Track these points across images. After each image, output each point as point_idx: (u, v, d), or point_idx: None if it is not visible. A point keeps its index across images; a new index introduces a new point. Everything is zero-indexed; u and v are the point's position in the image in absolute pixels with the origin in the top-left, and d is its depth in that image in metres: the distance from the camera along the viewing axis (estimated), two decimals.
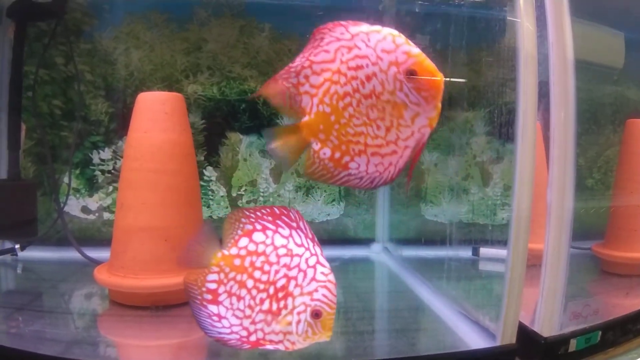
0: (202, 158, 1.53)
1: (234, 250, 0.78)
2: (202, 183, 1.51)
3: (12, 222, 1.36)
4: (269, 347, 0.77)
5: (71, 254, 1.36)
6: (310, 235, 0.78)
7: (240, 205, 1.55)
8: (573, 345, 0.95)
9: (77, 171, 1.49)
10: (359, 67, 0.74)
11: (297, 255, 0.77)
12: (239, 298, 0.78)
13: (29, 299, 1.16)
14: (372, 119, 0.75)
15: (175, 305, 1.06)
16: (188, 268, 0.81)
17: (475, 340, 0.95)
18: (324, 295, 0.75)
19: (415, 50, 0.72)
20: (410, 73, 0.72)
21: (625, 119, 1.70)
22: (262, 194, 1.56)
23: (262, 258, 0.77)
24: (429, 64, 0.72)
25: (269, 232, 0.78)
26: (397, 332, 1.07)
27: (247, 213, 0.80)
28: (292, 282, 0.76)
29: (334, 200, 1.60)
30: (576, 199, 1.69)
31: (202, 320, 0.79)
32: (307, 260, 0.76)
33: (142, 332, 1.00)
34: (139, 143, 1.08)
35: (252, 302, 0.77)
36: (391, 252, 1.59)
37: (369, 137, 0.75)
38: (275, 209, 0.79)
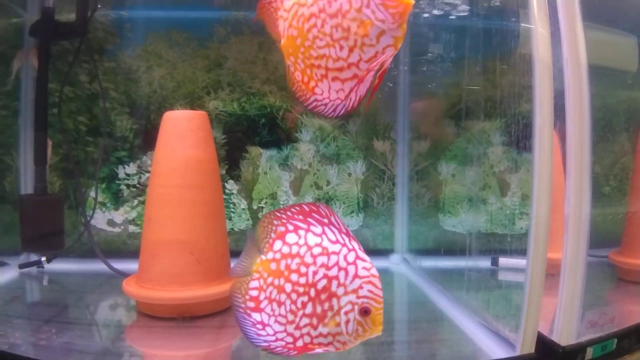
0: (224, 172, 1.56)
1: (270, 255, 0.76)
2: (223, 197, 1.54)
3: (39, 235, 1.41)
4: (319, 350, 0.75)
5: (97, 265, 1.39)
6: (344, 230, 0.75)
7: (261, 217, 1.58)
8: (590, 354, 0.96)
9: (103, 185, 1.54)
10: None
11: (333, 253, 0.74)
12: (280, 303, 0.75)
13: (56, 310, 1.20)
14: (336, 39, 0.73)
15: (201, 317, 1.09)
16: (236, 276, 0.79)
17: (494, 351, 0.96)
18: (369, 291, 0.72)
19: None
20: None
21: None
22: (282, 206, 1.59)
23: (297, 260, 0.75)
24: None
25: (301, 232, 0.76)
26: (417, 342, 1.09)
27: (279, 214, 0.77)
28: (334, 282, 0.73)
29: (352, 212, 1.63)
30: (593, 207, 1.70)
31: (247, 329, 0.77)
32: (345, 257, 0.73)
33: (169, 342, 1.02)
34: (166, 160, 1.12)
35: (293, 307, 0.75)
36: (410, 263, 1.61)
37: (330, 60, 0.74)
38: (305, 207, 0.76)
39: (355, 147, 1.62)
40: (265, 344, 0.76)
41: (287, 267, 0.75)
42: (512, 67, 1.24)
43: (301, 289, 0.74)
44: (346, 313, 0.72)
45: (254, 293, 0.76)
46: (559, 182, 1.00)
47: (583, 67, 0.98)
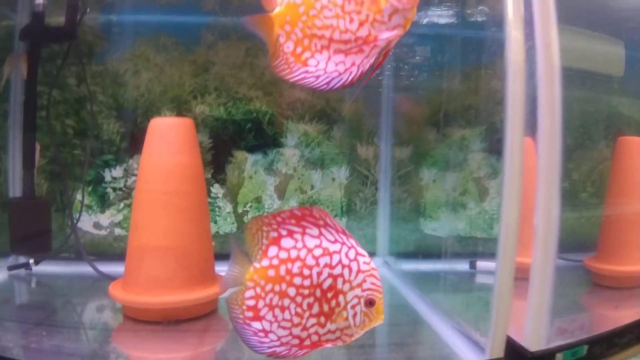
0: (210, 176, 1.59)
1: (265, 262, 0.76)
2: (209, 200, 1.56)
3: (26, 238, 1.43)
4: (327, 345, 0.77)
5: (84, 268, 1.41)
6: (340, 229, 0.77)
7: (246, 220, 1.61)
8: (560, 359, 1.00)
9: (90, 188, 1.56)
10: None
11: (335, 252, 0.75)
12: (283, 308, 0.76)
13: (45, 313, 1.22)
14: (347, 11, 0.73)
15: (186, 320, 1.12)
16: (229, 288, 0.79)
17: (466, 354, 1.00)
18: (372, 284, 0.75)
19: None
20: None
21: (618, 133, 1.76)
22: (267, 210, 1.62)
23: (298, 263, 0.75)
24: None
25: (297, 236, 0.76)
26: (396, 345, 1.13)
27: (267, 220, 0.77)
28: (340, 280, 0.75)
29: (336, 215, 1.66)
30: (570, 212, 1.75)
31: (249, 339, 0.77)
32: (347, 254, 0.75)
33: (155, 345, 1.05)
34: (152, 166, 1.15)
35: (299, 310, 0.75)
36: (391, 266, 1.65)
37: (337, 31, 0.74)
38: (296, 211, 0.77)
39: (339, 152, 1.65)
40: (270, 350, 0.77)
41: (288, 271, 0.75)
42: (491, 76, 1.28)
43: (306, 291, 0.75)
44: (353, 307, 0.75)
45: (251, 302, 0.76)
46: (534, 188, 1.03)
47: (556, 73, 1.00)
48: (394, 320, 1.32)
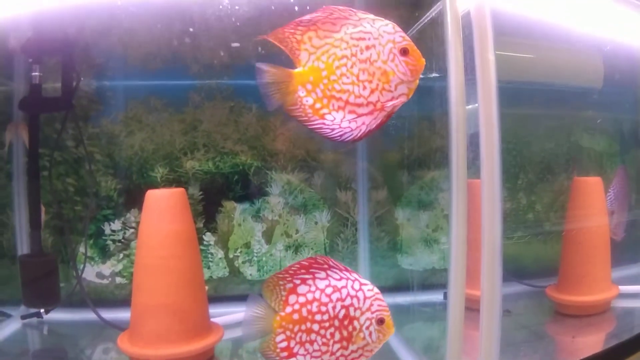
0: (201, 225, 1.72)
1: (288, 309, 0.92)
2: (202, 247, 1.70)
3: (37, 292, 1.56)
4: None
5: (89, 315, 1.53)
6: (343, 268, 0.93)
7: (237, 265, 1.75)
8: None
9: (91, 241, 1.69)
10: (361, 39, 0.91)
11: (343, 287, 0.90)
12: (311, 342, 0.91)
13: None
14: (361, 80, 0.90)
15: None
16: (255, 339, 0.94)
17: None
18: (379, 305, 0.91)
19: (408, 37, 0.91)
20: (404, 50, 0.90)
21: (577, 164, 1.90)
22: (255, 254, 1.76)
23: (315, 303, 0.91)
24: (417, 49, 0.91)
25: (309, 282, 0.92)
26: None
27: (282, 275, 0.93)
28: (351, 309, 0.90)
29: None
30: (535, 241, 1.89)
31: None
32: (352, 287, 0.91)
33: None
34: (149, 234, 1.28)
35: (324, 340, 0.91)
36: None
37: (352, 95, 0.90)
38: (304, 262, 0.93)
39: (320, 197, 1.79)
40: None
41: (309, 312, 0.91)
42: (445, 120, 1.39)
43: (327, 324, 0.91)
44: (367, 327, 0.91)
45: (284, 344, 0.92)
46: None
47: (495, 129, 1.08)
48: None
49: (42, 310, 1.58)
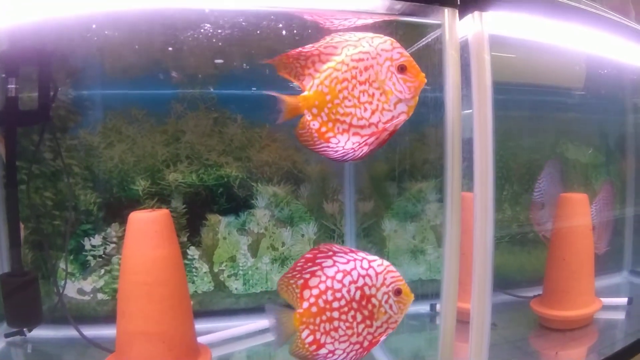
0: (185, 239, 1.68)
1: (305, 305, 0.93)
2: (186, 262, 1.67)
3: (19, 311, 1.51)
4: (383, 338, 0.94)
5: (72, 332, 1.49)
6: (347, 250, 0.94)
7: (222, 279, 1.72)
8: None
9: (71, 257, 1.64)
10: (360, 60, 0.92)
11: (352, 269, 0.92)
12: (335, 329, 0.93)
13: None
14: (362, 102, 0.91)
15: None
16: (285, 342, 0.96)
17: None
18: (392, 277, 0.93)
19: (406, 53, 0.92)
20: (402, 67, 0.91)
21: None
22: (241, 268, 1.73)
23: (330, 292, 0.92)
24: (416, 64, 0.92)
25: (319, 273, 0.93)
26: None
27: (291, 274, 0.95)
28: (366, 288, 0.91)
29: None
30: (519, 252, 1.91)
31: None
32: (361, 266, 0.92)
33: None
34: (134, 259, 1.24)
35: (347, 324, 0.92)
36: None
37: (355, 118, 0.91)
38: (308, 255, 0.94)
39: (306, 210, 1.76)
40: None
41: (326, 301, 0.92)
42: (441, 132, 1.39)
43: (346, 308, 0.92)
44: (386, 302, 0.92)
45: (310, 339, 0.93)
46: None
47: (489, 137, 1.11)
48: None
49: (25, 329, 1.53)
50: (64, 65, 1.59)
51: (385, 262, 0.93)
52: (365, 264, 0.92)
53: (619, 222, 1.98)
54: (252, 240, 1.73)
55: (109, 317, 1.30)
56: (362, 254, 0.93)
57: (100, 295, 1.66)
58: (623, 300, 1.75)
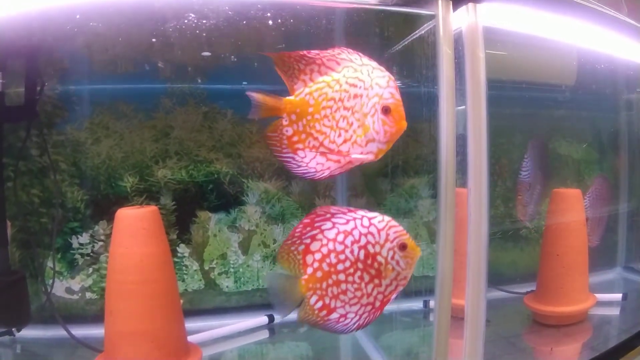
0: (175, 236, 1.65)
1: (309, 270, 0.91)
2: (175, 259, 1.64)
3: (6, 311, 1.48)
4: (394, 296, 0.92)
5: (61, 332, 1.45)
6: (345, 210, 0.91)
7: (213, 277, 1.69)
8: None
9: (59, 255, 1.60)
10: (353, 85, 0.90)
11: (353, 229, 0.89)
12: (344, 292, 0.90)
13: None
14: (339, 127, 0.89)
15: None
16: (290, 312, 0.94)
17: None
18: (395, 232, 0.89)
19: (398, 96, 0.88)
20: (386, 109, 0.87)
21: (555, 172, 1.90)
22: (232, 266, 1.70)
23: (332, 255, 0.89)
24: (402, 110, 0.88)
25: (319, 236, 0.90)
26: None
27: (290, 241, 0.92)
28: (369, 247, 0.88)
29: None
30: (512, 248, 1.90)
31: (335, 328, 0.92)
32: (362, 225, 0.89)
33: None
34: (121, 258, 1.21)
35: (355, 285, 0.89)
36: None
37: (327, 139, 0.90)
38: (306, 220, 0.91)
39: (298, 206, 1.74)
40: (356, 325, 0.91)
41: (330, 264, 0.90)
42: (434, 128, 1.38)
43: (352, 269, 0.89)
44: (392, 258, 0.89)
45: (319, 304, 0.91)
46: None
47: (483, 134, 1.10)
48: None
49: (13, 329, 1.50)
50: (51, 59, 1.56)
51: (387, 218, 0.90)
52: (366, 222, 0.89)
53: (612, 218, 1.98)
54: (243, 237, 1.71)
55: (98, 317, 1.26)
56: (361, 212, 0.90)
57: (88, 295, 1.63)
58: (617, 296, 1.74)
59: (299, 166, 0.92)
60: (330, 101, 0.90)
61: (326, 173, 0.91)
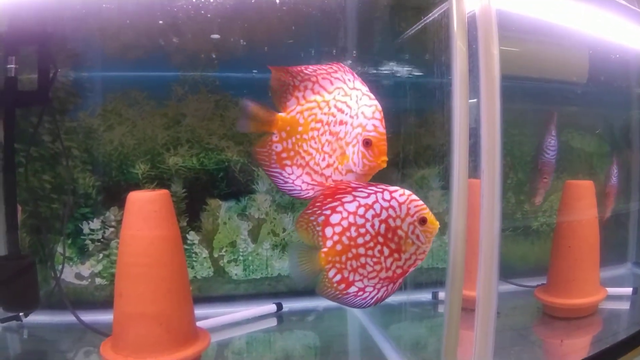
0: (185, 224, 1.66)
1: (329, 243, 0.90)
2: (185, 247, 1.65)
3: (15, 296, 1.49)
4: (412, 269, 0.92)
5: (69, 318, 1.47)
6: (366, 185, 0.89)
7: (222, 264, 1.70)
8: None
9: (69, 241, 1.62)
10: (340, 110, 0.90)
11: (374, 202, 0.88)
12: (363, 265, 0.89)
13: None
14: (324, 151, 0.90)
15: None
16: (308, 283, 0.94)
17: None
18: (415, 207, 0.89)
19: (382, 129, 0.88)
20: (367, 142, 0.86)
21: (567, 165, 1.89)
22: (241, 254, 1.71)
23: (353, 228, 0.89)
24: (383, 144, 0.88)
25: (339, 208, 0.89)
26: None
27: (310, 211, 0.91)
28: (390, 220, 0.88)
29: None
30: (523, 241, 1.89)
31: (354, 302, 0.91)
32: (383, 198, 0.88)
33: None
34: (132, 240, 1.21)
35: (374, 259, 0.89)
36: None
37: (312, 161, 0.91)
38: (326, 191, 0.90)
39: None
40: (374, 299, 0.91)
41: (350, 238, 0.89)
42: (447, 118, 1.38)
43: (372, 243, 0.89)
44: (412, 232, 0.88)
45: (338, 277, 0.91)
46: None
47: (497, 124, 1.07)
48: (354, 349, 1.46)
49: (21, 314, 1.51)
50: (64, 46, 1.57)
51: (407, 192, 0.89)
52: (387, 196, 0.89)
53: (623, 215, 1.97)
54: (252, 225, 1.71)
55: (107, 302, 1.27)
56: (382, 186, 0.90)
57: (98, 280, 1.64)
58: (628, 290, 1.73)
59: (286, 182, 0.93)
60: (319, 123, 0.90)
61: (310, 193, 0.92)
